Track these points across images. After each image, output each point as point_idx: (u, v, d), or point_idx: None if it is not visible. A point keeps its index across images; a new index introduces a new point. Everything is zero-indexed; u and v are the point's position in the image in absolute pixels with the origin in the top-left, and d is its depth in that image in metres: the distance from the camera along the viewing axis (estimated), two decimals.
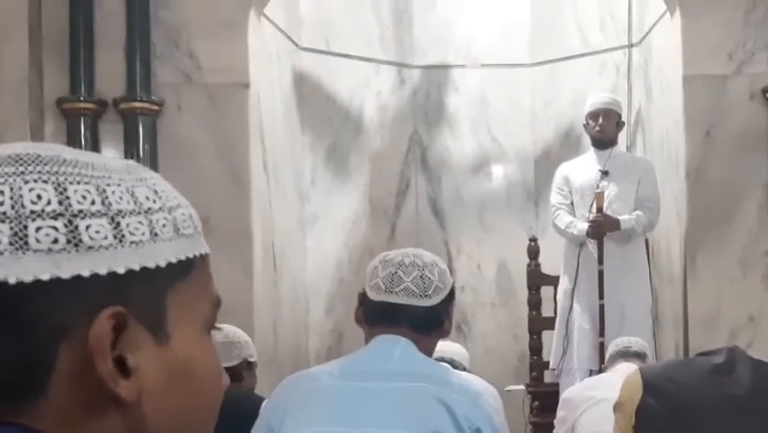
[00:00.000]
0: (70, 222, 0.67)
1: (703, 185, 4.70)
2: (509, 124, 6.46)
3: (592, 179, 5.03)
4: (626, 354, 3.59)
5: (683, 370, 2.48)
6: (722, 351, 2.48)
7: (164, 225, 0.71)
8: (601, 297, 4.86)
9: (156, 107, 4.53)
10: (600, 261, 4.87)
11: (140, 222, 0.69)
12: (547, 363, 5.29)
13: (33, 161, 0.68)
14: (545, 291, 5.43)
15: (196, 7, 4.57)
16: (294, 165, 5.71)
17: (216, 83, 4.56)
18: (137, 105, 4.49)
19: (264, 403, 2.23)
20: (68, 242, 0.66)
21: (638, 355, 3.58)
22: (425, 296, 2.03)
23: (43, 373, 0.66)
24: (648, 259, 5.17)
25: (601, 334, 4.82)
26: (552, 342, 5.14)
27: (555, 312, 5.21)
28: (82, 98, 4.47)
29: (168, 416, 0.71)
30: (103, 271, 0.67)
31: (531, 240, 5.54)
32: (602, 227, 4.88)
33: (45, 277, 0.65)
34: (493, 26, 6.47)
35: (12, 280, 0.65)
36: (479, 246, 6.42)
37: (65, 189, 0.67)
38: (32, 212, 0.66)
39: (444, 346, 3.47)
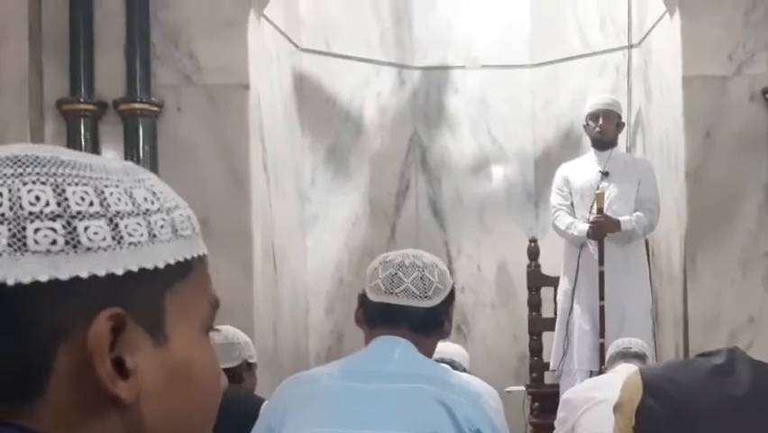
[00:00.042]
0: (69, 223, 0.67)
1: (703, 186, 4.69)
2: (509, 124, 6.46)
3: (592, 180, 5.03)
4: (626, 355, 3.59)
5: (683, 371, 2.47)
6: (722, 352, 2.47)
7: (162, 227, 0.71)
8: (601, 298, 4.85)
9: (156, 108, 4.53)
10: (601, 262, 4.86)
11: (138, 223, 0.69)
12: (547, 364, 5.29)
13: (32, 163, 0.68)
14: (545, 292, 5.43)
15: (195, 8, 4.57)
16: (294, 166, 5.71)
17: (216, 84, 4.56)
18: (137, 106, 4.50)
19: (264, 404, 2.23)
20: (67, 243, 0.66)
21: (638, 356, 3.58)
22: (425, 297, 2.03)
23: (42, 374, 0.66)
24: (648, 260, 5.16)
25: (601, 335, 4.81)
26: (552, 343, 5.13)
27: (555, 313, 5.20)
28: (82, 99, 4.47)
29: (166, 417, 0.71)
30: (101, 272, 0.67)
31: (531, 241, 5.53)
32: (603, 228, 4.87)
33: (43, 278, 0.65)
34: (493, 27, 6.47)
35: (10, 282, 0.65)
36: (479, 247, 6.42)
37: (63, 191, 0.67)
38: (31, 213, 0.66)
39: (444, 347, 3.47)
